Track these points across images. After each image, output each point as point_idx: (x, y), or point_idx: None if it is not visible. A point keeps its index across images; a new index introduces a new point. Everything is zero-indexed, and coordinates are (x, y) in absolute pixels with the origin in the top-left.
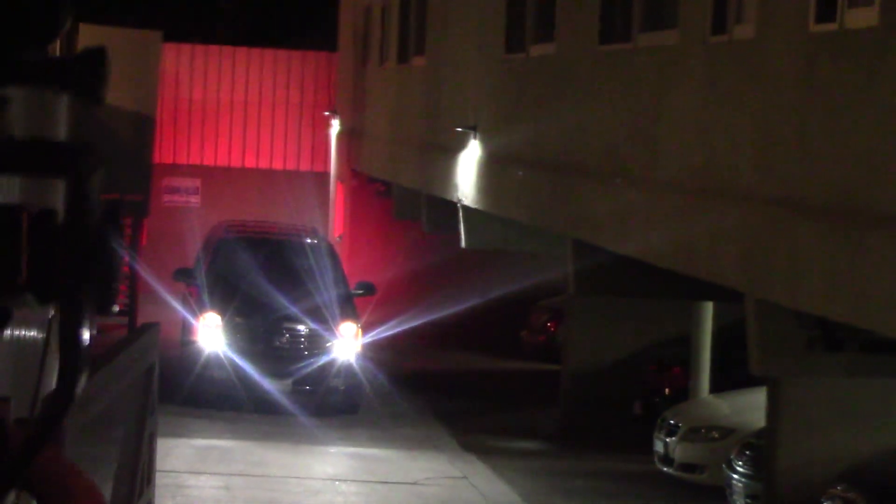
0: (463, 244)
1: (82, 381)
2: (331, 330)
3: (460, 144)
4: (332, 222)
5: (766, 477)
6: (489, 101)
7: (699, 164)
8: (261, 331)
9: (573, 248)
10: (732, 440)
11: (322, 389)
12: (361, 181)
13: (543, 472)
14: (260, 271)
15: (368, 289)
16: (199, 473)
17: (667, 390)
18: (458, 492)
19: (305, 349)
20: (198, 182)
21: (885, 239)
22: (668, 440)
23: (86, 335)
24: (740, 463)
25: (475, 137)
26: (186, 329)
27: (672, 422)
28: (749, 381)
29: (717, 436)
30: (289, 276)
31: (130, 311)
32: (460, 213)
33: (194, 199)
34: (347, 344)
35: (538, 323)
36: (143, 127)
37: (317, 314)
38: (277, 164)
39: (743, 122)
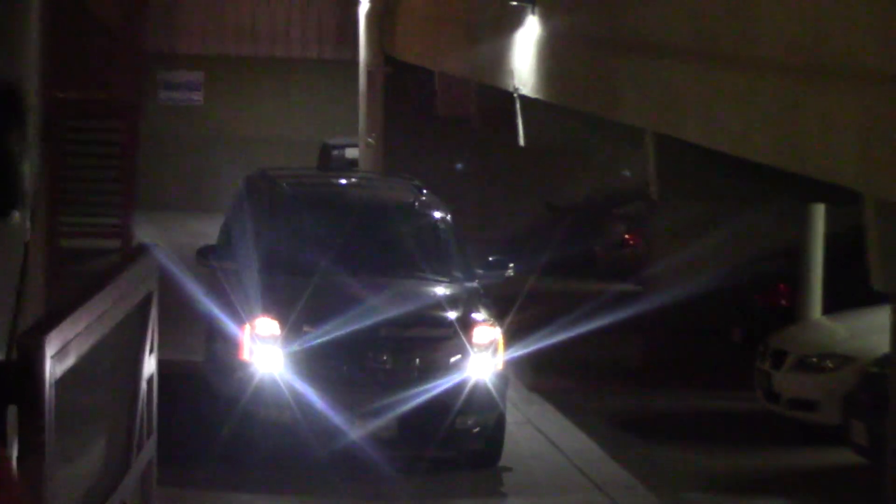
0: (521, 142)
1: None
2: (458, 338)
3: (516, 22)
4: (362, 121)
5: (893, 412)
6: None
7: (807, 38)
8: (346, 343)
9: (654, 144)
10: (851, 370)
11: (443, 433)
12: (397, 71)
13: (623, 414)
14: (341, 249)
15: (502, 266)
16: None
17: (770, 312)
18: (524, 439)
19: (418, 370)
20: (200, 75)
21: None
22: (773, 372)
23: None
24: (860, 397)
25: (533, 13)
26: (218, 341)
27: (778, 350)
28: (869, 299)
29: (831, 365)
30: (386, 256)
31: (123, 231)
32: (517, 106)
33: (196, 96)
34: (484, 360)
35: (614, 235)
36: (132, 7)
37: (435, 315)
38: (296, 52)
39: None
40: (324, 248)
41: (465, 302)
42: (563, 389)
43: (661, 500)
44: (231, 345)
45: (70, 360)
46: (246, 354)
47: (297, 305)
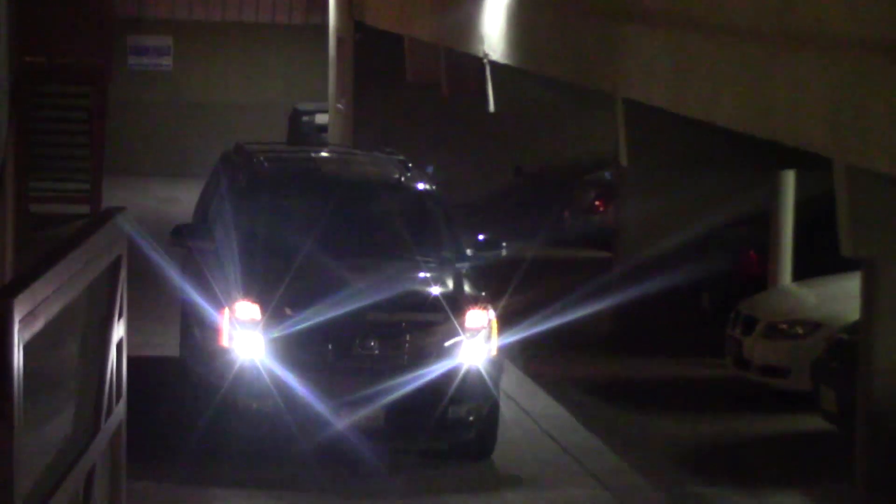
0: (490, 108)
1: None
2: (449, 322)
3: None
4: (332, 88)
5: (862, 379)
6: None
7: (775, 4)
8: (331, 328)
9: (624, 110)
10: (820, 336)
11: (434, 423)
12: (366, 36)
13: (595, 383)
14: (325, 229)
15: (494, 247)
16: None
17: (740, 279)
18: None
19: (407, 355)
20: (169, 40)
21: None
22: (743, 338)
23: None
24: (830, 363)
25: None
26: (195, 326)
27: (748, 316)
28: (839, 266)
29: (801, 332)
30: (373, 236)
31: (93, 196)
32: (487, 71)
33: (165, 62)
34: (477, 345)
35: (584, 201)
36: None
37: (425, 297)
38: (265, 17)
39: None
40: (307, 228)
41: (457, 284)
42: (532, 356)
43: (630, 467)
44: (209, 330)
45: (39, 324)
46: (225, 340)
47: (280, 288)
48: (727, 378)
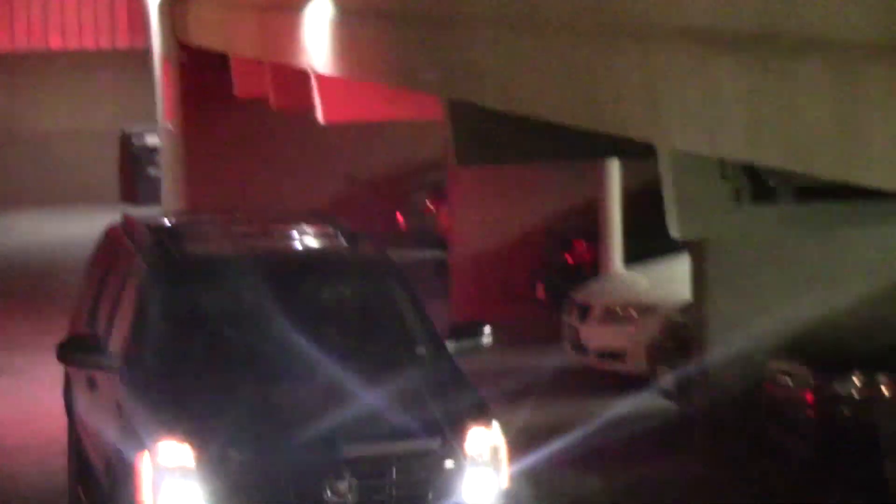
0: (320, 119)
1: None
2: (445, 447)
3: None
4: (160, 109)
5: (696, 357)
6: None
7: (590, 2)
8: (291, 471)
9: (451, 111)
10: (654, 319)
11: None
12: (192, 56)
13: None
14: (269, 333)
15: (475, 332)
16: None
17: (572, 268)
18: None
19: (394, 499)
20: None
21: (814, 66)
22: (579, 325)
23: None
24: (665, 344)
25: None
26: (101, 476)
27: (582, 303)
28: (668, 249)
29: (635, 315)
30: (331, 336)
31: None
32: (313, 82)
33: None
34: (482, 476)
35: (416, 204)
36: None
37: (409, 416)
38: (88, 42)
39: None
40: (246, 334)
41: (447, 392)
42: None
43: None
44: (121, 482)
45: None
46: (145, 496)
47: (217, 420)
48: (566, 364)
